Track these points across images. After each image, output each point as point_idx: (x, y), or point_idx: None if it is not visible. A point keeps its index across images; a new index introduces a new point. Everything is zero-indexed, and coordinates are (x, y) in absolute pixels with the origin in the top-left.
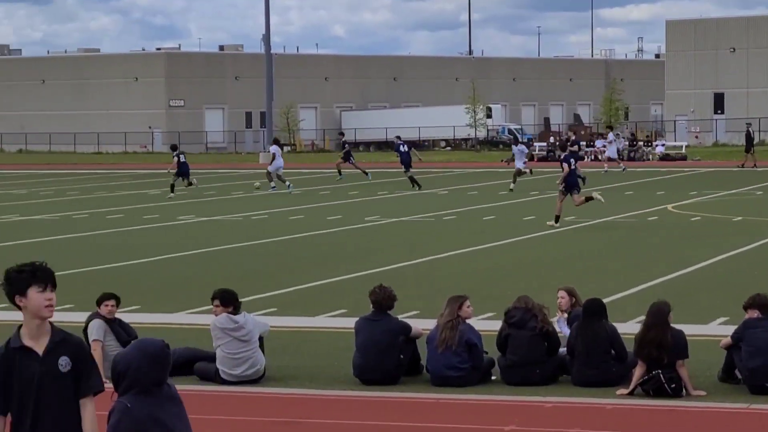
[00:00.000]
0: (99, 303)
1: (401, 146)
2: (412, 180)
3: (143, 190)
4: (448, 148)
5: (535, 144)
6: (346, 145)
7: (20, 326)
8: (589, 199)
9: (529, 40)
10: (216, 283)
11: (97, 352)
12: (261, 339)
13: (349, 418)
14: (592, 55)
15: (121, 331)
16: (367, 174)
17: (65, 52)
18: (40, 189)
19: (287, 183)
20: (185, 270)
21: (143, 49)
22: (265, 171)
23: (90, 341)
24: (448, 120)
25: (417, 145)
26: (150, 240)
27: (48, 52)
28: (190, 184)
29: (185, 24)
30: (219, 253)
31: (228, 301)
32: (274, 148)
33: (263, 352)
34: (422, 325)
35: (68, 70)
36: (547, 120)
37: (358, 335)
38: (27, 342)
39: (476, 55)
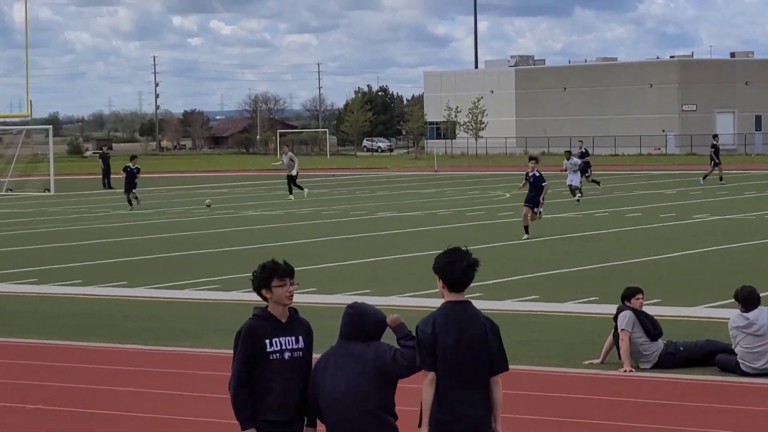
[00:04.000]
0: (630, 297)
1: None
2: None
3: (658, 190)
4: None
5: None
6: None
7: None
8: None
9: None
10: (736, 281)
11: (624, 342)
12: None
13: None
14: None
15: (647, 323)
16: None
17: (585, 61)
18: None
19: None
20: (700, 266)
21: (657, 57)
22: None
23: (619, 331)
24: None
25: None
26: (665, 236)
27: (569, 61)
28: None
29: (696, 32)
30: (734, 250)
31: (748, 302)
32: None
33: None
34: None
35: (587, 77)
36: None
37: None
38: None
39: None
